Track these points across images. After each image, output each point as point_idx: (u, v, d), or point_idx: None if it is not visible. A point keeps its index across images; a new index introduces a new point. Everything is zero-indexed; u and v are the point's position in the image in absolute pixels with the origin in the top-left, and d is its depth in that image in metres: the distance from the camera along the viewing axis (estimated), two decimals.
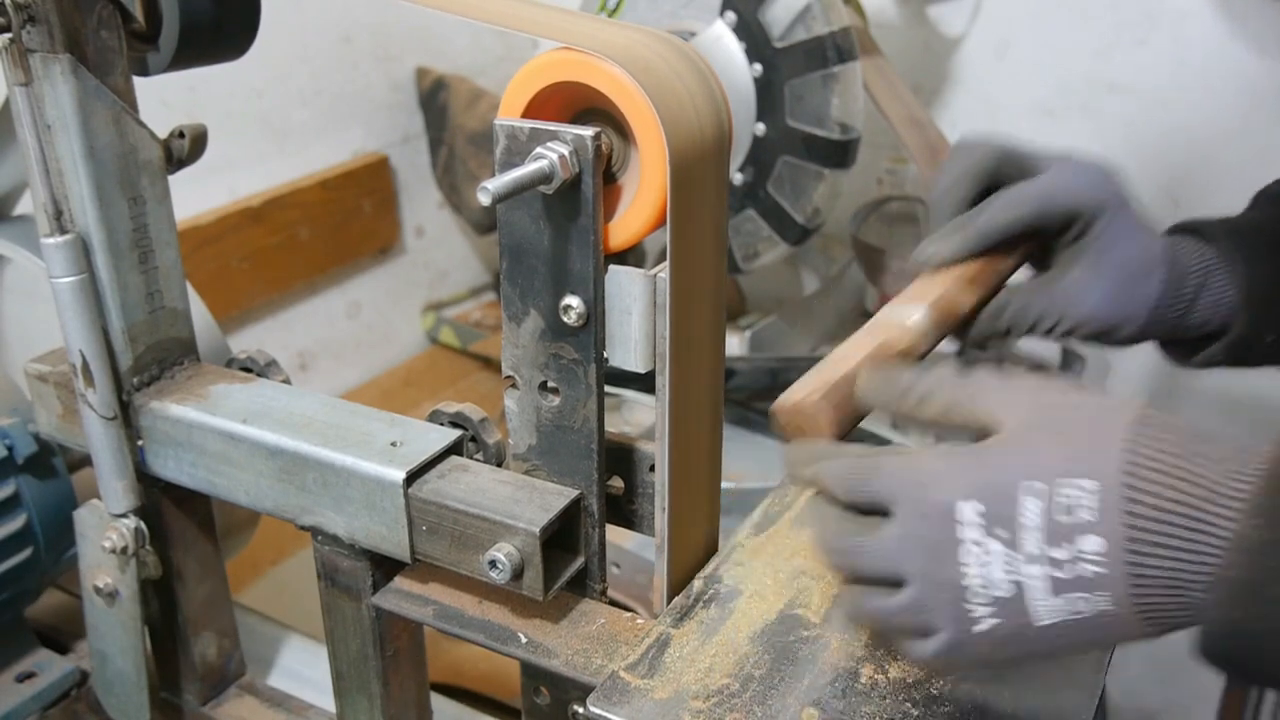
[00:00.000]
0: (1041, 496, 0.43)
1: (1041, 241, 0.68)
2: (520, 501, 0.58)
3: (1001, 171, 0.68)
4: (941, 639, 0.46)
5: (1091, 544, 0.42)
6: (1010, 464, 0.44)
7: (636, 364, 0.55)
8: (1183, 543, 0.41)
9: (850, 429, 0.54)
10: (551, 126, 0.51)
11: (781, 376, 1.32)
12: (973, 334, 0.66)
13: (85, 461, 0.77)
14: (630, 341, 0.54)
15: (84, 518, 0.72)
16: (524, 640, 0.59)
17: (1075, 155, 0.67)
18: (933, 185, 0.69)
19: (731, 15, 1.18)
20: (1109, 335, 0.67)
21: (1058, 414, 0.46)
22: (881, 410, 0.52)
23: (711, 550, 0.63)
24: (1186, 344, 0.70)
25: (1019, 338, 0.66)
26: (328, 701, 0.73)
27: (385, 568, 0.65)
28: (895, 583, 0.47)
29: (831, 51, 1.14)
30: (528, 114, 0.53)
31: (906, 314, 0.59)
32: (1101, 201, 0.65)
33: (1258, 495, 0.41)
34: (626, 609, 0.61)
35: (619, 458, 0.62)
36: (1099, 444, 0.43)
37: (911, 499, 0.46)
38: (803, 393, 0.53)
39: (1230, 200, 1.41)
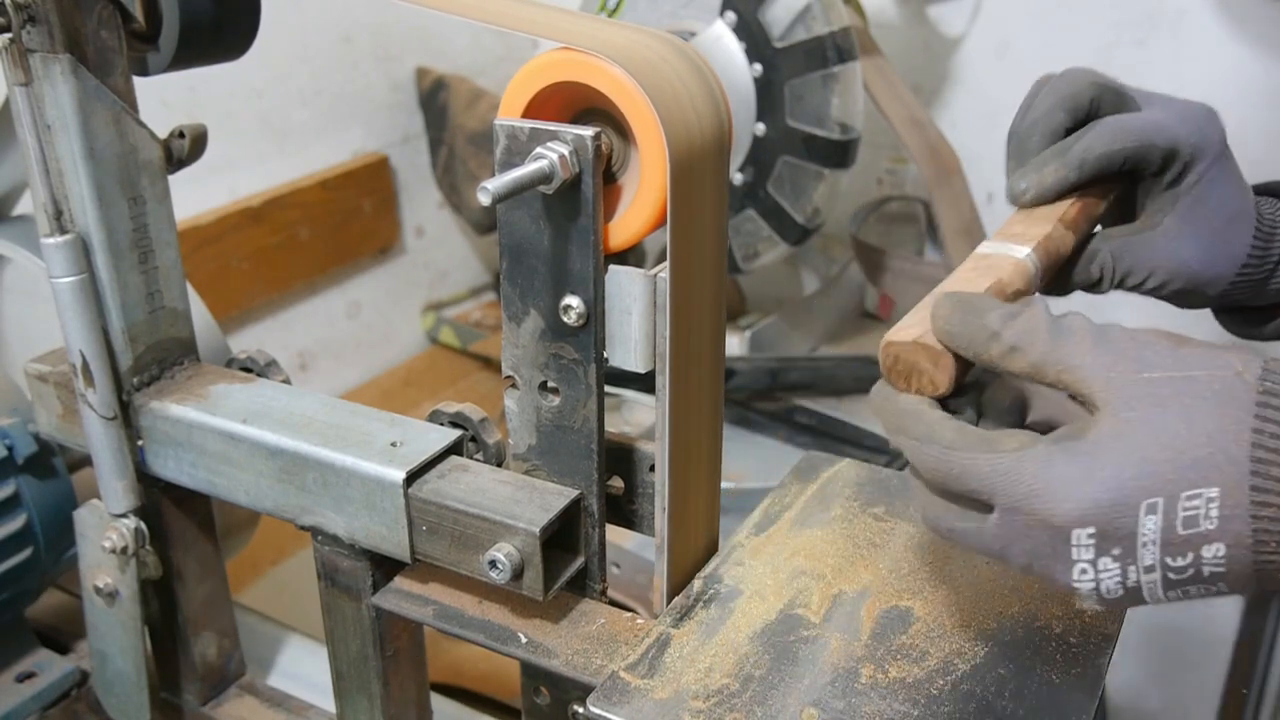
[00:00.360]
0: (1160, 513, 0.40)
1: (1132, 183, 0.64)
2: (520, 501, 0.58)
3: (1098, 105, 0.62)
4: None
5: (1213, 550, 0.40)
6: (1125, 476, 0.41)
7: (636, 364, 0.55)
8: None
9: (963, 379, 0.47)
10: (551, 126, 0.51)
11: (781, 376, 1.32)
12: (1064, 284, 0.61)
13: (85, 461, 0.77)
14: (630, 341, 0.54)
15: (84, 518, 0.72)
16: (524, 640, 0.59)
17: (1178, 98, 0.63)
18: (1017, 115, 0.63)
19: (731, 15, 1.18)
20: (1193, 295, 0.62)
21: (1168, 391, 0.41)
22: (963, 352, 0.45)
23: (711, 550, 0.63)
24: (1256, 312, 0.66)
25: (1108, 290, 0.62)
26: (328, 701, 0.73)
27: (385, 568, 0.65)
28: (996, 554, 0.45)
29: (831, 51, 1.15)
30: (528, 114, 0.53)
31: (1016, 251, 0.54)
32: (1202, 145, 0.61)
33: None
34: (626, 609, 0.61)
35: (619, 458, 0.62)
36: (1220, 438, 0.40)
37: (1015, 508, 0.43)
38: (920, 330, 0.46)
39: None
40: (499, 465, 0.63)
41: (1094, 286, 0.62)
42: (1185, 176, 0.61)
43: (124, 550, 0.69)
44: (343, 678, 0.68)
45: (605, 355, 0.56)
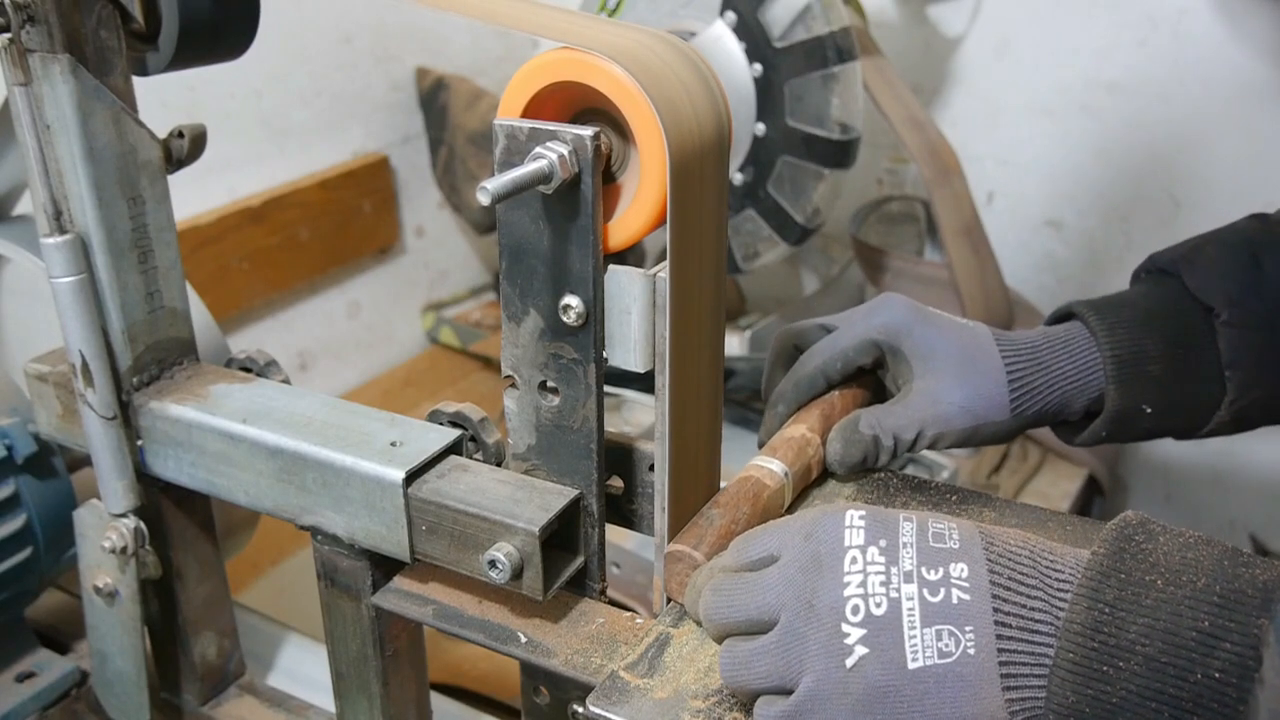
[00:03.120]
0: (915, 523, 0.48)
1: (877, 382, 0.70)
2: (520, 501, 0.58)
3: (802, 344, 0.70)
4: (808, 683, 0.46)
5: (958, 569, 0.45)
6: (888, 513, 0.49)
7: (636, 364, 0.55)
8: (1035, 581, 0.45)
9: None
10: (551, 126, 0.51)
11: None
12: (832, 456, 0.65)
13: (85, 461, 0.77)
14: (630, 341, 0.54)
15: (84, 518, 0.72)
16: (524, 640, 0.59)
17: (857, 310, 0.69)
18: (765, 384, 0.72)
19: (731, 15, 1.18)
20: (982, 432, 0.66)
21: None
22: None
23: None
24: (1071, 424, 0.69)
25: (889, 457, 0.65)
26: (328, 701, 0.73)
27: (385, 567, 0.65)
28: (767, 626, 0.48)
29: (831, 51, 1.15)
30: (527, 114, 0.53)
31: (773, 466, 0.62)
32: (896, 324, 0.66)
33: (1082, 582, 0.44)
34: (626, 609, 0.61)
35: (619, 458, 0.62)
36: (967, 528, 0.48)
37: (798, 530, 0.50)
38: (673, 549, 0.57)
39: (1230, 200, 1.41)
40: (499, 465, 0.63)
41: (876, 454, 0.65)
42: (903, 352, 0.66)
43: (124, 550, 0.69)
44: (343, 678, 0.68)
45: (605, 355, 0.56)
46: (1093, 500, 1.38)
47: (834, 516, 0.49)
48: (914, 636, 0.44)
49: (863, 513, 0.49)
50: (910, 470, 1.18)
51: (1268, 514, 1.49)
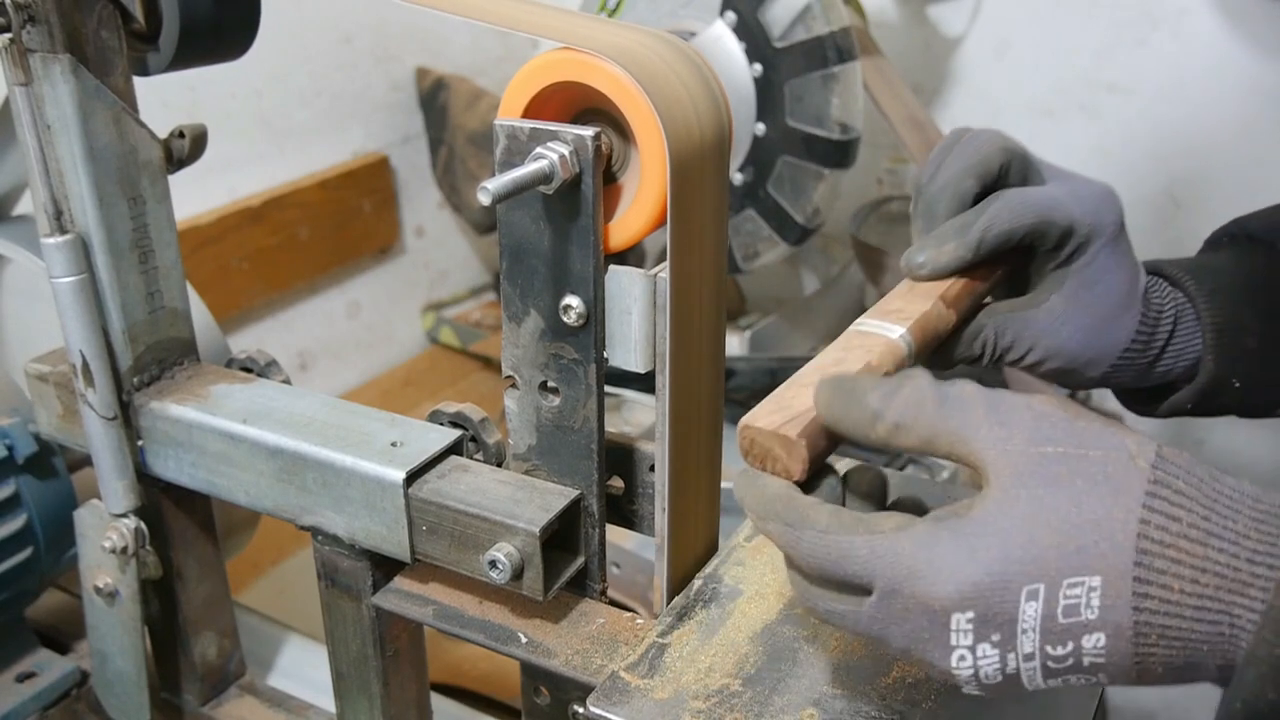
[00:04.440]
0: (1041, 600, 0.39)
1: (1025, 259, 0.63)
2: (520, 501, 0.58)
3: (1006, 171, 0.61)
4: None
5: (1093, 641, 0.39)
6: (1008, 560, 0.40)
7: (636, 364, 0.55)
8: (1195, 634, 0.39)
9: (823, 462, 0.47)
10: (551, 126, 0.51)
11: (781, 376, 1.32)
12: (945, 359, 0.61)
13: (85, 461, 0.77)
14: (630, 341, 0.54)
15: (84, 518, 0.72)
16: (524, 640, 0.59)
17: (1080, 175, 0.62)
18: (926, 174, 0.61)
19: (731, 15, 1.18)
20: (1072, 375, 0.62)
21: (1061, 469, 0.41)
22: (849, 437, 0.45)
23: (711, 550, 0.63)
24: (1148, 392, 0.66)
25: (989, 364, 0.61)
26: (328, 701, 0.73)
27: (385, 568, 0.65)
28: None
29: (831, 51, 1.14)
30: (528, 114, 0.53)
31: (891, 331, 0.53)
32: (1099, 226, 0.60)
33: (1274, 605, 0.37)
34: (626, 609, 0.61)
35: (619, 458, 0.62)
36: (1108, 524, 0.39)
37: (895, 591, 0.42)
38: (778, 419, 0.46)
39: (1230, 200, 1.40)
40: (499, 465, 0.63)
41: (975, 361, 0.61)
42: (1077, 257, 0.60)
43: (124, 550, 0.69)
44: (343, 678, 0.68)
45: (605, 355, 0.56)
46: None
47: (934, 616, 0.41)
48: (1036, 682, 0.41)
49: (970, 614, 0.40)
50: (910, 470, 1.18)
51: None
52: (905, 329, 0.53)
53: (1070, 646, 0.39)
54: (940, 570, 0.40)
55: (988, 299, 0.63)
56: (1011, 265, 0.63)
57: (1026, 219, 0.58)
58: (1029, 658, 0.40)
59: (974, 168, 0.60)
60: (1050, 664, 0.40)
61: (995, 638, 0.40)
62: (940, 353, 0.60)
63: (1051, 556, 0.39)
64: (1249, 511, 0.39)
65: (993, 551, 0.40)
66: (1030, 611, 0.39)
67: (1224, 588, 0.38)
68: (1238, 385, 0.62)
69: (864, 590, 0.43)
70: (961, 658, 0.41)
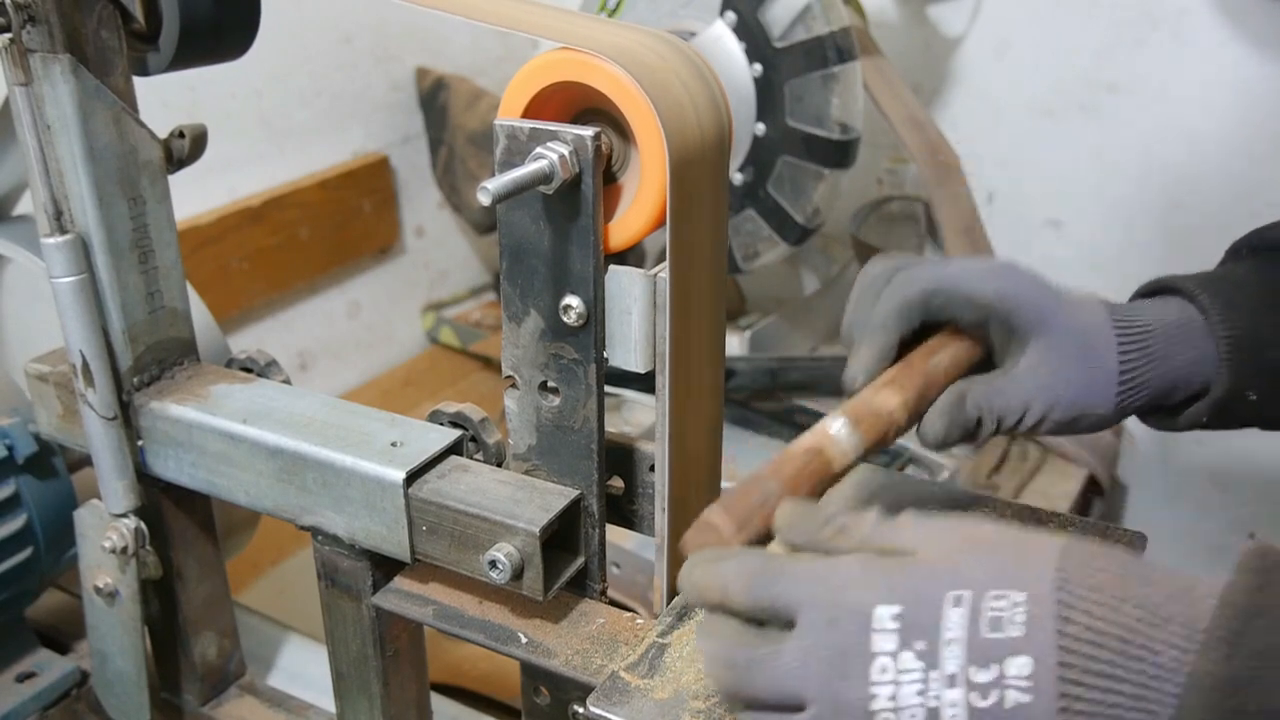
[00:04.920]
0: (967, 606, 0.40)
1: (984, 348, 0.63)
2: (520, 501, 0.58)
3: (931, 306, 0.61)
4: None
5: (1018, 666, 0.38)
6: (936, 572, 0.41)
7: (636, 364, 0.55)
8: (1120, 670, 0.38)
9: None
10: (551, 126, 0.51)
11: (781, 377, 1.32)
12: (932, 437, 0.59)
13: (85, 461, 0.77)
14: (630, 341, 0.54)
15: (84, 518, 0.72)
16: (524, 640, 0.59)
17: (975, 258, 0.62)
18: (853, 309, 0.62)
19: (731, 15, 1.18)
20: (1084, 420, 0.61)
21: (984, 539, 0.43)
22: (800, 545, 0.46)
23: None
24: (1167, 409, 0.65)
25: (988, 436, 0.60)
26: (328, 701, 0.73)
27: (385, 568, 0.65)
28: (795, 707, 0.42)
29: (831, 51, 1.14)
30: (528, 114, 0.53)
31: (831, 426, 0.54)
32: (1007, 290, 0.59)
33: (1218, 625, 0.37)
34: (626, 609, 0.61)
35: (619, 458, 0.62)
36: (1029, 561, 0.40)
37: (821, 603, 0.42)
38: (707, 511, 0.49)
39: (1230, 200, 1.40)
40: (499, 465, 0.63)
41: (975, 433, 0.60)
42: (1017, 321, 0.60)
43: (124, 550, 0.69)
44: (343, 678, 0.68)
45: (605, 355, 0.56)
46: (1093, 500, 1.38)
47: (858, 615, 0.41)
48: None
49: (896, 609, 0.40)
50: (910, 470, 1.18)
51: (1268, 514, 1.49)
52: (847, 420, 0.54)
53: (995, 673, 0.38)
54: (867, 579, 0.42)
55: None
56: (970, 355, 0.62)
57: (914, 289, 0.59)
58: (952, 682, 0.39)
59: (899, 309, 0.61)
60: (975, 700, 0.39)
61: (919, 646, 0.40)
62: (946, 430, 0.59)
63: (977, 574, 0.40)
64: (1166, 571, 0.40)
65: (920, 567, 0.42)
66: (955, 618, 0.40)
67: (1144, 619, 0.38)
68: (1254, 398, 0.61)
69: (788, 624, 0.43)
70: (883, 669, 0.40)
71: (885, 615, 0.40)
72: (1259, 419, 0.63)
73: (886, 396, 0.56)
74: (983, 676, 0.39)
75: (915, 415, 0.58)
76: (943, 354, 0.60)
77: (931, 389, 0.58)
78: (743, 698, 0.44)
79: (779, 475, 0.50)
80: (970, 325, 0.60)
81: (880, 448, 0.55)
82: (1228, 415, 0.62)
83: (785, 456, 0.51)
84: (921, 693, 0.39)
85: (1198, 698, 0.36)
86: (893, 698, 0.40)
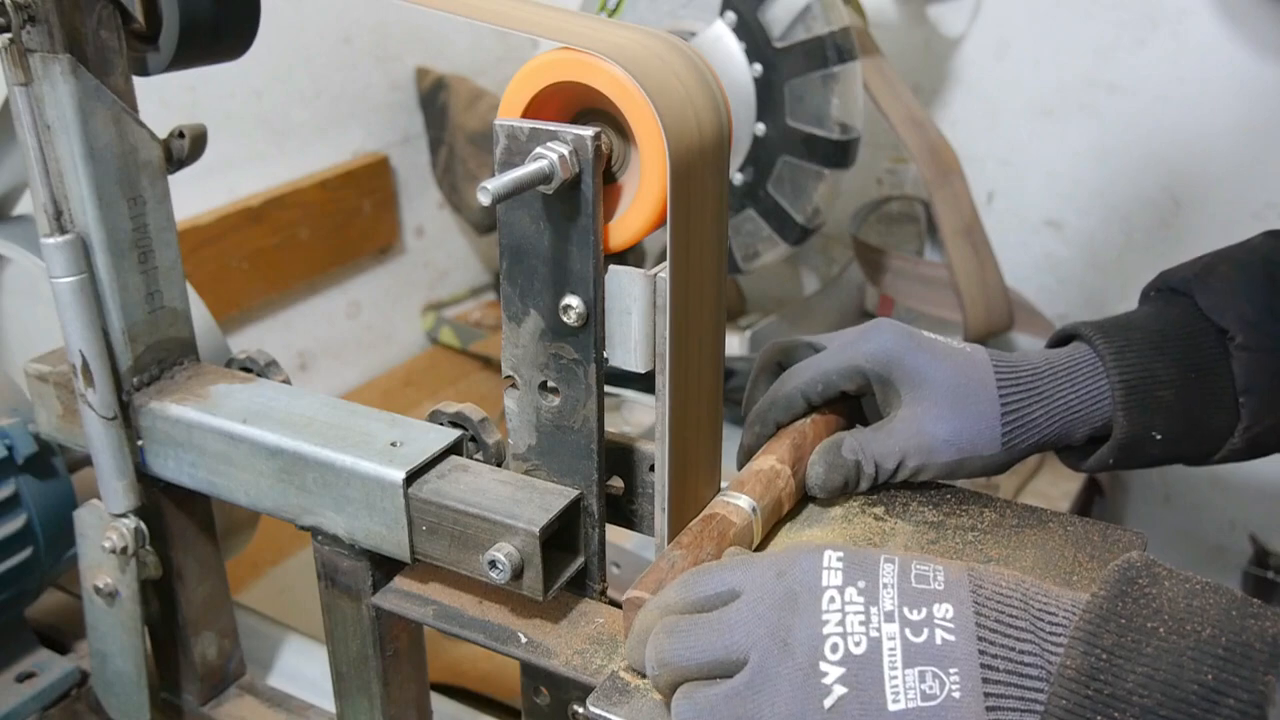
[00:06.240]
0: (896, 564, 0.46)
1: (858, 406, 0.68)
2: (520, 501, 0.58)
3: (787, 361, 0.69)
4: None
5: (942, 610, 0.44)
6: (866, 550, 0.48)
7: (636, 364, 0.55)
8: (1026, 624, 0.43)
9: None
10: (551, 126, 0.51)
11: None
12: (813, 480, 0.62)
13: (85, 461, 0.78)
14: (630, 341, 0.54)
15: (84, 518, 0.72)
16: (524, 640, 0.59)
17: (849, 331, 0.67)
18: (746, 398, 0.70)
19: (731, 15, 1.18)
20: (972, 462, 0.62)
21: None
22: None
23: None
24: (1075, 447, 0.66)
25: (869, 483, 0.63)
26: (328, 701, 0.73)
27: (385, 568, 0.65)
28: (730, 670, 0.46)
29: (831, 51, 1.15)
30: (528, 114, 0.53)
31: (736, 502, 0.59)
32: (886, 352, 0.63)
33: (1079, 628, 0.42)
34: None
35: (619, 458, 0.62)
36: (941, 561, 0.47)
37: (772, 568, 0.48)
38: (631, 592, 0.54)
39: (1230, 200, 1.40)
40: (499, 465, 0.63)
41: (853, 488, 0.63)
42: (890, 377, 0.63)
43: (124, 550, 0.69)
44: (343, 678, 0.68)
45: (605, 355, 0.56)
46: (1093, 500, 1.38)
47: (810, 555, 0.47)
48: (895, 677, 0.43)
49: (840, 553, 0.47)
50: None
51: (1268, 514, 1.49)
52: (745, 494, 0.60)
53: (924, 614, 0.44)
54: (810, 547, 0.48)
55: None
56: (835, 423, 0.67)
57: (790, 386, 0.66)
58: (889, 617, 0.44)
59: (757, 376, 0.70)
60: (909, 634, 0.43)
61: (861, 584, 0.45)
62: (809, 477, 0.63)
63: (897, 560, 0.47)
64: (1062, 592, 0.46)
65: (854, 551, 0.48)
66: (889, 570, 0.46)
67: (1041, 592, 0.45)
68: (1159, 438, 0.63)
69: (732, 594, 0.48)
70: (831, 600, 0.45)
71: (833, 556, 0.47)
72: (1176, 456, 0.65)
73: (761, 460, 0.63)
74: (914, 615, 0.44)
75: (798, 463, 0.63)
76: (808, 422, 0.66)
77: (804, 447, 0.64)
78: (679, 665, 0.47)
79: (680, 544, 0.56)
80: (856, 393, 0.66)
81: (775, 509, 0.61)
82: (1138, 455, 0.64)
83: (685, 528, 0.58)
84: (864, 623, 0.44)
85: (1061, 686, 0.41)
86: (840, 624, 0.44)
